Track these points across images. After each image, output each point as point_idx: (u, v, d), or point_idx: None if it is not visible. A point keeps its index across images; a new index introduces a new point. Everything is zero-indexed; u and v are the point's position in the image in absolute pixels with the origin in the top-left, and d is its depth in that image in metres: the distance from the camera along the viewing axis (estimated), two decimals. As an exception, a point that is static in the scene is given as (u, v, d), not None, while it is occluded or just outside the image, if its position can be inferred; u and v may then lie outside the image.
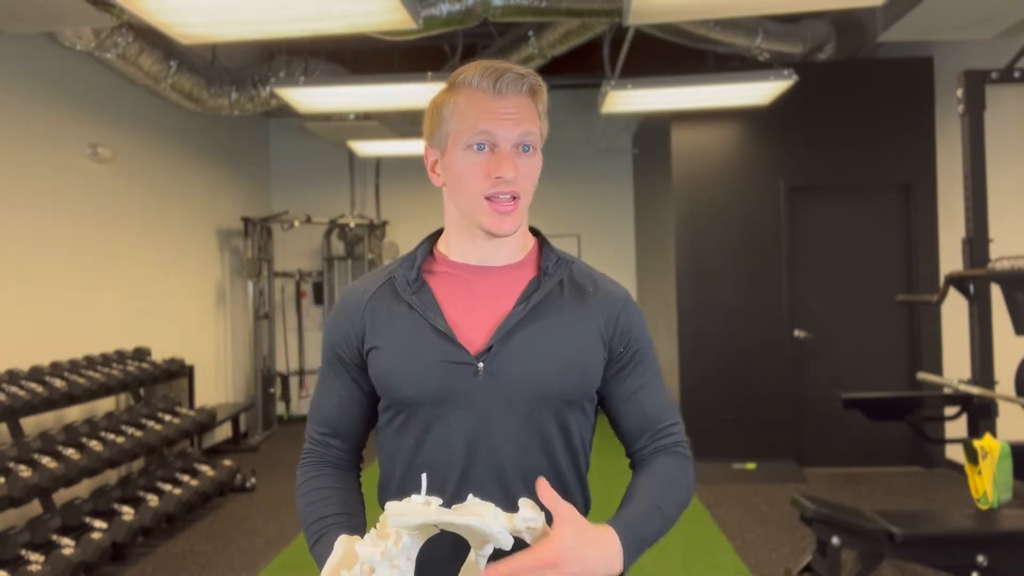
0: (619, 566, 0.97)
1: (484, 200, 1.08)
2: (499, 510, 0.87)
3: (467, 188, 1.09)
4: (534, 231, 1.22)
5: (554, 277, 1.14)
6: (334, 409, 1.18)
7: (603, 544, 0.96)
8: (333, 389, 1.19)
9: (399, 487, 1.11)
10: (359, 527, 1.10)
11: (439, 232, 1.21)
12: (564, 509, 0.94)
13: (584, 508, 1.19)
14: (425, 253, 1.18)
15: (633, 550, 1.00)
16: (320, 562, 1.03)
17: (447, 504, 0.94)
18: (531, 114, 1.10)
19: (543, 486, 0.94)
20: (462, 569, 0.94)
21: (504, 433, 1.08)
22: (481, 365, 1.07)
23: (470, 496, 0.90)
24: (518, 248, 1.17)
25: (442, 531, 0.91)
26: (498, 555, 0.90)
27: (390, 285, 1.15)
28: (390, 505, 0.86)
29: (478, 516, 0.84)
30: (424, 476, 0.94)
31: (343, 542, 0.90)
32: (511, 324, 1.09)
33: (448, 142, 1.11)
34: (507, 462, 1.08)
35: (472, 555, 0.92)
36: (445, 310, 1.11)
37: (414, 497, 0.86)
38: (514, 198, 1.09)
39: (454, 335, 1.08)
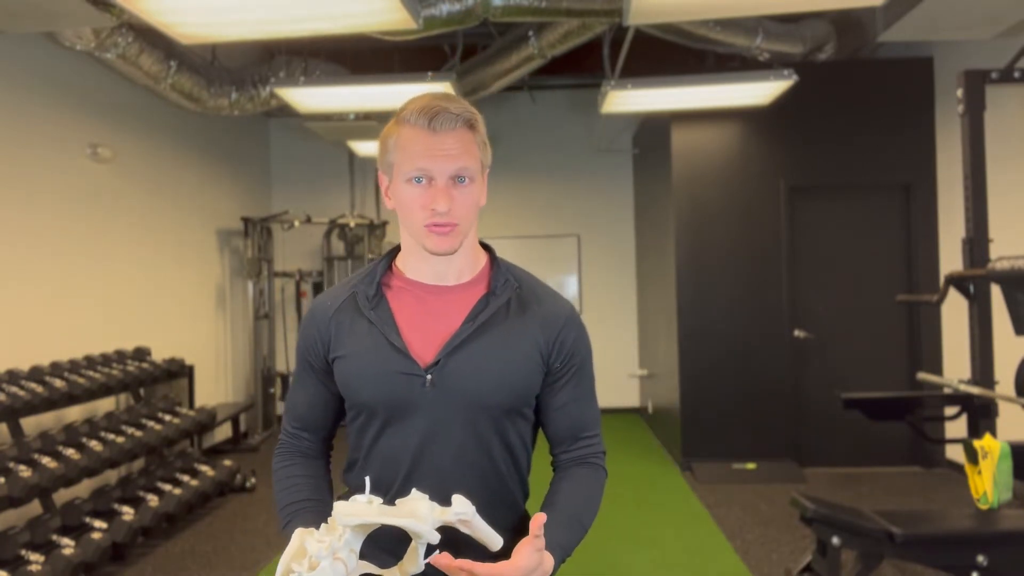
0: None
1: (424, 226, 1.20)
2: (435, 504, 1.00)
3: (409, 216, 1.22)
4: (487, 247, 1.34)
5: (501, 297, 1.26)
6: (305, 407, 1.34)
7: (545, 567, 1.11)
8: (304, 389, 1.34)
9: (359, 471, 1.28)
10: (325, 511, 1.22)
11: (397, 248, 1.33)
12: (539, 543, 1.08)
13: (522, 496, 1.34)
14: (384, 268, 1.30)
15: (558, 565, 1.16)
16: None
17: (394, 494, 1.16)
18: (468, 147, 1.20)
19: (538, 521, 1.08)
20: (406, 553, 1.07)
21: (447, 437, 1.22)
22: (429, 377, 1.21)
23: (413, 490, 1.02)
24: (468, 267, 1.29)
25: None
26: (443, 539, 1.03)
27: (352, 300, 1.28)
28: (337, 504, 0.99)
29: (412, 514, 0.98)
30: (368, 479, 1.07)
31: (298, 535, 1.01)
32: (457, 341, 1.22)
33: (394, 172, 1.23)
34: (449, 459, 1.23)
35: (413, 543, 1.04)
36: (400, 325, 1.24)
37: (358, 497, 0.99)
38: (451, 225, 1.20)
39: (407, 349, 1.22)
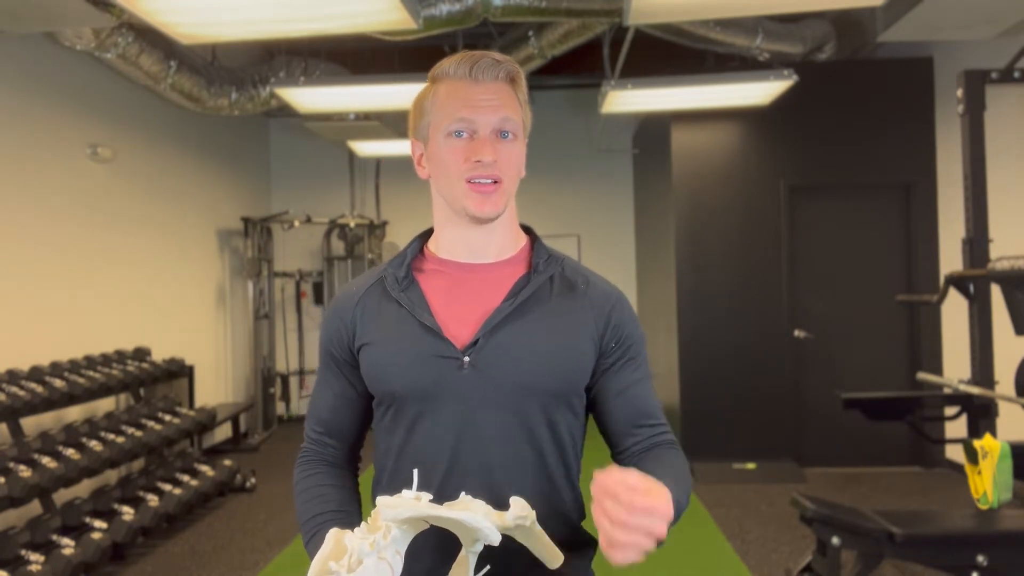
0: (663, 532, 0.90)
1: (465, 183, 1.08)
2: (490, 508, 0.88)
3: (449, 173, 1.10)
4: (527, 229, 1.23)
5: (543, 274, 1.14)
6: (328, 408, 1.21)
7: (663, 493, 0.89)
8: (328, 388, 1.21)
9: (389, 480, 1.14)
10: (353, 524, 1.09)
11: (430, 231, 1.22)
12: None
13: (576, 509, 1.17)
14: (415, 251, 1.20)
15: (675, 518, 0.95)
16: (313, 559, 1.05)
17: (436, 496, 0.96)
18: (510, 101, 1.11)
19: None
20: (454, 566, 0.95)
21: (489, 426, 1.09)
22: (467, 359, 1.08)
23: (463, 494, 0.90)
24: (509, 244, 1.17)
25: (433, 529, 0.91)
26: (492, 552, 0.90)
27: (380, 284, 1.16)
28: (381, 499, 0.87)
29: (467, 512, 0.86)
30: (416, 471, 0.94)
31: (334, 535, 0.91)
32: (497, 319, 1.09)
33: (430, 132, 1.13)
34: (493, 454, 1.08)
35: (463, 551, 0.92)
36: (433, 306, 1.12)
37: (405, 492, 0.87)
38: (495, 182, 1.09)
39: (440, 330, 1.09)
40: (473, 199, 1.09)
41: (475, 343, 1.08)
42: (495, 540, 0.87)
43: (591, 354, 1.13)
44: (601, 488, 0.86)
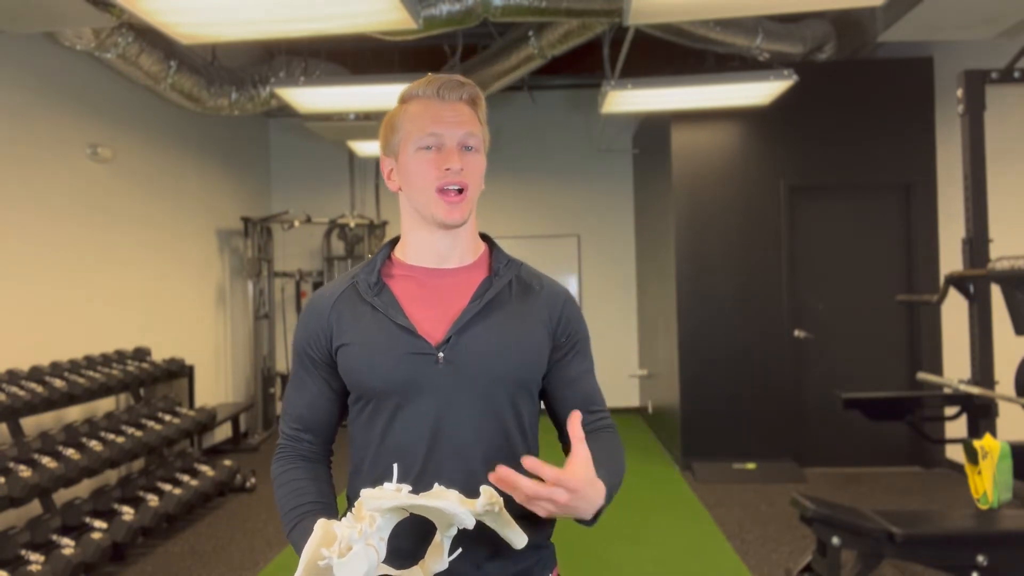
0: (591, 514, 1.11)
1: (435, 192, 1.21)
2: (462, 496, 0.98)
3: (420, 182, 1.22)
4: (485, 237, 1.35)
5: (504, 277, 1.27)
6: (305, 406, 1.30)
7: (598, 491, 1.10)
8: (304, 387, 1.30)
9: (369, 471, 1.22)
10: (331, 514, 1.20)
11: (397, 239, 1.33)
12: (583, 451, 1.08)
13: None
14: (384, 258, 1.30)
15: (604, 505, 1.14)
16: (296, 547, 1.14)
17: (414, 484, 1.11)
18: (472, 119, 1.24)
19: (574, 420, 1.11)
20: (428, 550, 1.05)
21: (463, 415, 1.20)
22: (441, 355, 1.19)
23: (436, 484, 1.00)
24: (470, 250, 1.29)
25: (410, 517, 1.02)
26: (462, 535, 1.03)
27: (353, 289, 1.26)
28: (365, 491, 0.96)
29: (444, 500, 0.96)
30: (396, 465, 1.05)
31: (322, 524, 0.98)
32: (466, 318, 1.21)
33: (400, 147, 1.25)
34: (467, 442, 1.19)
35: (438, 536, 1.02)
36: (405, 308, 1.23)
37: (386, 484, 0.97)
38: (461, 191, 1.21)
39: (415, 329, 1.21)
40: (443, 208, 1.21)
41: (447, 340, 1.20)
42: (470, 524, 0.97)
43: (547, 346, 1.27)
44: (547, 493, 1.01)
